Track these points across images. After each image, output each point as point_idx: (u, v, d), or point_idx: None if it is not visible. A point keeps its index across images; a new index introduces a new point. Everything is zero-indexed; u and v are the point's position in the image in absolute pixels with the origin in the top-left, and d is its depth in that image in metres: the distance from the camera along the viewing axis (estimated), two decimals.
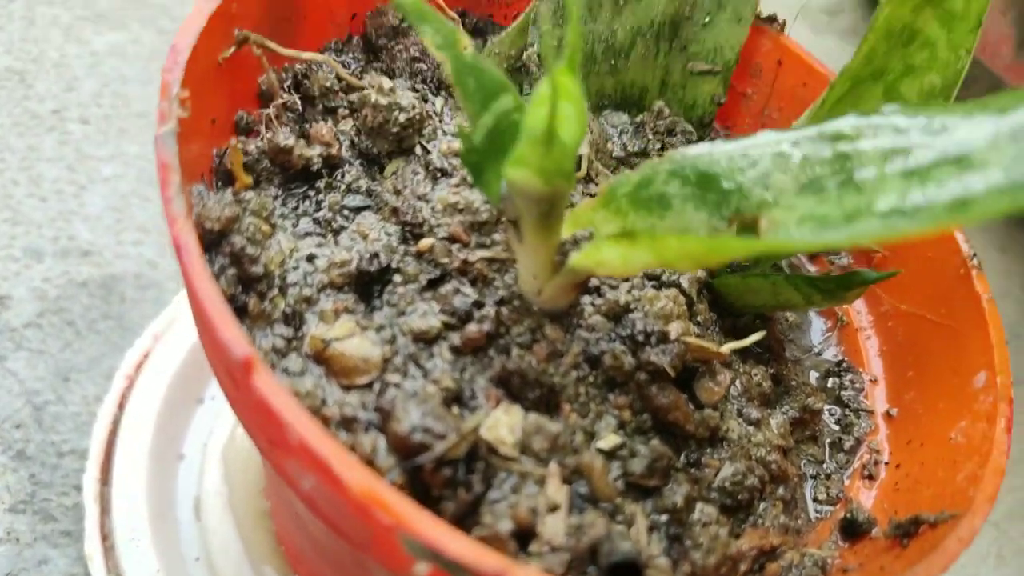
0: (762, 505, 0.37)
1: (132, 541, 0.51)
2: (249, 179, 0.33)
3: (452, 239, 0.34)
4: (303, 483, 0.24)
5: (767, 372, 0.41)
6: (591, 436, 0.33)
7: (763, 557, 0.35)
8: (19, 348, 0.62)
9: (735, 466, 0.36)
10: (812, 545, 0.38)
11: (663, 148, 0.48)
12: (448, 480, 0.27)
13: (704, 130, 0.53)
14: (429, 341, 0.31)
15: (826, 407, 0.45)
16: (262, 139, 0.35)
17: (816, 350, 0.49)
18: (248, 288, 0.30)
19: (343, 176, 0.36)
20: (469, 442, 0.28)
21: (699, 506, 0.33)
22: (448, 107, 0.42)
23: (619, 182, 0.34)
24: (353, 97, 0.39)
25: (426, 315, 0.32)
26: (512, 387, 0.31)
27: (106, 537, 0.52)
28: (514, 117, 0.30)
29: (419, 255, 0.34)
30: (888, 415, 0.45)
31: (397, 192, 0.35)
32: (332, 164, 0.36)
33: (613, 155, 0.47)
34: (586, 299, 0.36)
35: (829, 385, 0.47)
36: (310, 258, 0.32)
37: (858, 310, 0.50)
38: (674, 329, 0.36)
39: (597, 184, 0.44)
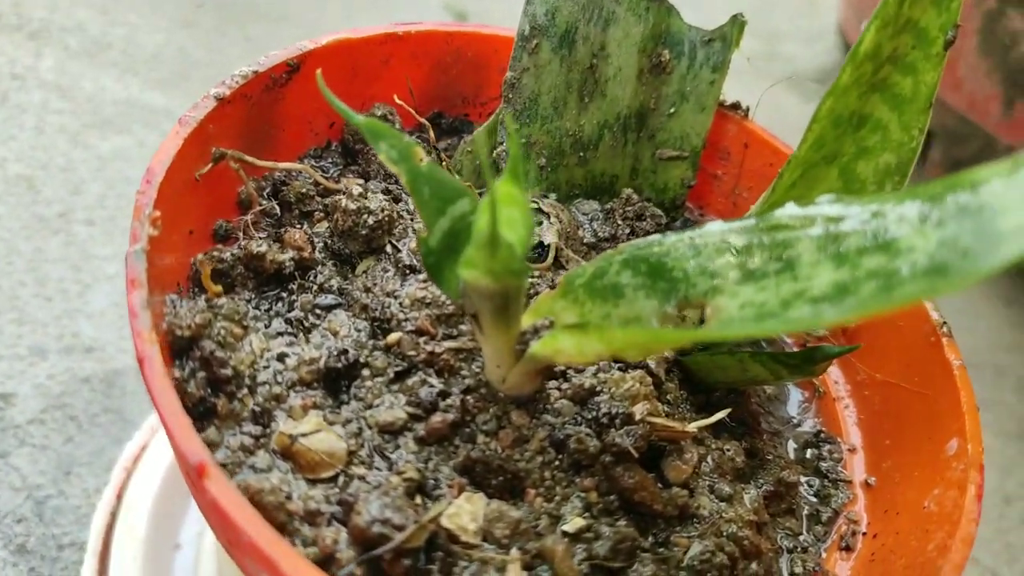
0: None
1: None
2: (218, 288, 0.35)
3: (419, 332, 0.36)
4: None
5: (741, 446, 0.42)
6: (557, 519, 0.34)
7: None
8: (23, 444, 0.64)
9: (704, 544, 0.36)
10: None
11: (632, 233, 0.50)
12: (408, 570, 0.28)
13: (677, 211, 0.55)
14: (395, 432, 0.33)
15: (804, 478, 0.45)
16: (239, 246, 0.37)
17: (795, 421, 0.49)
18: (218, 389, 0.32)
19: (316, 277, 0.38)
20: (428, 531, 0.29)
21: None
22: None
23: (576, 273, 0.35)
24: (328, 201, 0.41)
25: (392, 407, 0.33)
26: (476, 475, 0.32)
27: None
28: (470, 219, 0.32)
29: (387, 349, 0.35)
30: (867, 484, 0.45)
31: (367, 290, 0.37)
32: (305, 266, 0.38)
33: (584, 241, 0.49)
34: (552, 384, 0.38)
35: (808, 456, 0.47)
36: (280, 357, 0.34)
37: (835, 379, 0.51)
38: (639, 410, 0.37)
39: (568, 271, 0.46)
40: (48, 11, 1.05)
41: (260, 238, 0.37)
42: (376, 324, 0.36)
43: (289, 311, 0.37)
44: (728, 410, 0.40)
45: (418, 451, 0.32)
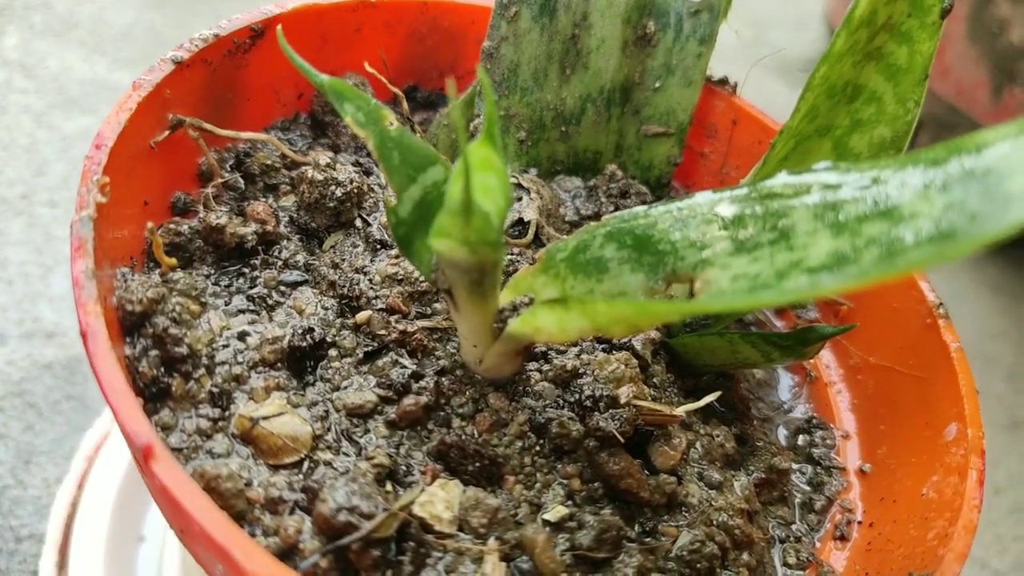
0: (724, 573, 0.36)
1: None
2: (173, 261, 0.33)
3: (391, 310, 0.34)
4: (215, 570, 0.23)
5: (730, 432, 0.40)
6: (537, 508, 0.32)
7: None
8: None
9: (693, 533, 0.34)
10: None
11: (617, 211, 0.48)
12: (377, 561, 0.26)
13: (662, 189, 0.53)
14: (364, 416, 0.30)
15: (797, 465, 0.44)
16: (198, 219, 0.35)
17: (786, 407, 0.48)
18: (172, 369, 0.30)
19: (280, 252, 0.36)
20: (399, 520, 0.26)
21: None
22: None
23: (557, 247, 0.33)
24: (295, 174, 0.39)
25: (361, 389, 0.31)
26: (451, 460, 0.30)
27: None
28: (443, 189, 0.30)
29: (356, 328, 0.33)
30: (861, 471, 0.44)
31: (335, 266, 0.35)
32: (269, 240, 0.36)
33: (566, 219, 0.47)
34: (533, 365, 0.36)
35: (799, 443, 0.45)
36: (241, 335, 0.32)
37: (827, 364, 0.49)
38: (624, 393, 0.36)
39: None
40: None
41: (221, 211, 0.35)
42: (344, 302, 0.34)
43: (251, 287, 0.34)
44: (718, 393, 0.38)
45: (389, 435, 0.30)
